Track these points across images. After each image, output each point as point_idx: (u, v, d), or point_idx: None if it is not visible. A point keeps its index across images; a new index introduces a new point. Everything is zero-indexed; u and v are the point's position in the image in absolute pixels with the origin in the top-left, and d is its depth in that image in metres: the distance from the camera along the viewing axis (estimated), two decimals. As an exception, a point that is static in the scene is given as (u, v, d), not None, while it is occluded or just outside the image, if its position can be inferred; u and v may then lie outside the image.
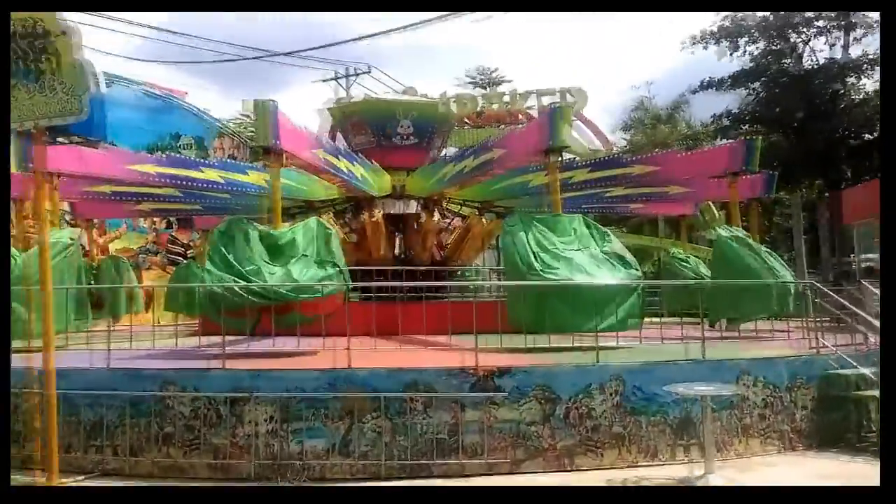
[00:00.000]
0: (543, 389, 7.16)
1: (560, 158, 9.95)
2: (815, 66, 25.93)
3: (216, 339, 8.09)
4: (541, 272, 8.77)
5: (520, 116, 25.26)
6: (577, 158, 14.55)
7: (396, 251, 15.35)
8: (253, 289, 8.14)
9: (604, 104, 60.67)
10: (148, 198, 13.60)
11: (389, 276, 13.60)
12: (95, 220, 15.95)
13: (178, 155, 12.49)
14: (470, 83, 39.85)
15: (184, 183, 12.21)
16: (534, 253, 9.08)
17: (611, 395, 7.28)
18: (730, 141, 19.98)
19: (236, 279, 8.21)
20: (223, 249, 8.52)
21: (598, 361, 7.44)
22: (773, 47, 26.47)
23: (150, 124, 20.92)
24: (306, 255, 8.90)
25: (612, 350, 8.14)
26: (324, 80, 34.30)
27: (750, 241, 11.19)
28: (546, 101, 26.55)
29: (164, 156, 12.99)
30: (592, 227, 9.86)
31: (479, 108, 24.76)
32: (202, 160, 15.36)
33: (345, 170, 11.81)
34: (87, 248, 14.10)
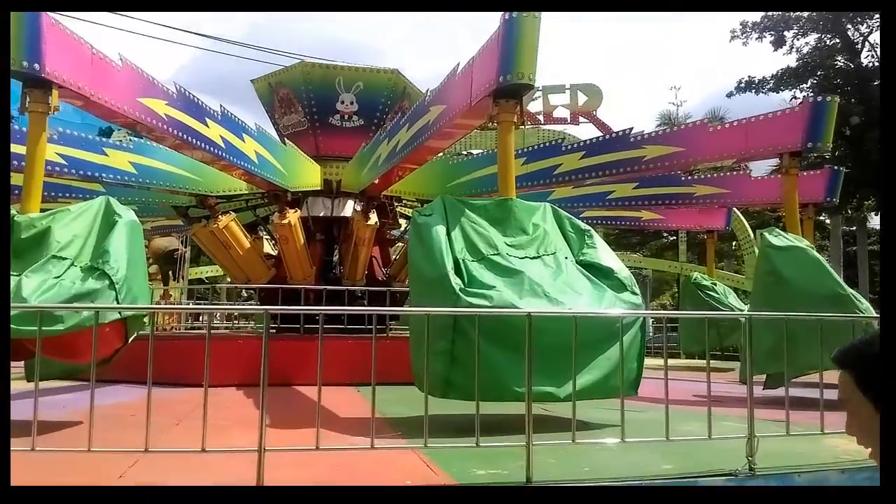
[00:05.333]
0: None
1: (520, 104, 6.15)
2: (874, 65, 21.86)
3: None
4: (461, 293, 4.98)
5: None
6: (566, 139, 10.75)
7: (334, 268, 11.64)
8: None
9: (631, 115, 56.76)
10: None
11: (311, 301, 9.94)
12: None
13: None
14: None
15: (186, 137, 7.69)
16: (456, 260, 5.30)
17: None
18: (795, 99, 16.13)
19: None
20: None
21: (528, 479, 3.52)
22: (826, 42, 22.46)
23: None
24: (63, 258, 5.20)
25: (584, 448, 4.22)
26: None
27: (817, 255, 7.30)
28: (555, 100, 22.94)
29: (174, 91, 7.65)
30: (565, 220, 6.06)
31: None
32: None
33: (221, 145, 8.09)
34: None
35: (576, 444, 3.68)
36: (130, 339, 5.46)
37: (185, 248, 19.97)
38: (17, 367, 5.90)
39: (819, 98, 8.00)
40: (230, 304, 13.28)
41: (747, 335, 4.28)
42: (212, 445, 3.99)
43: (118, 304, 5.05)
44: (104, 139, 10.18)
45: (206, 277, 22.13)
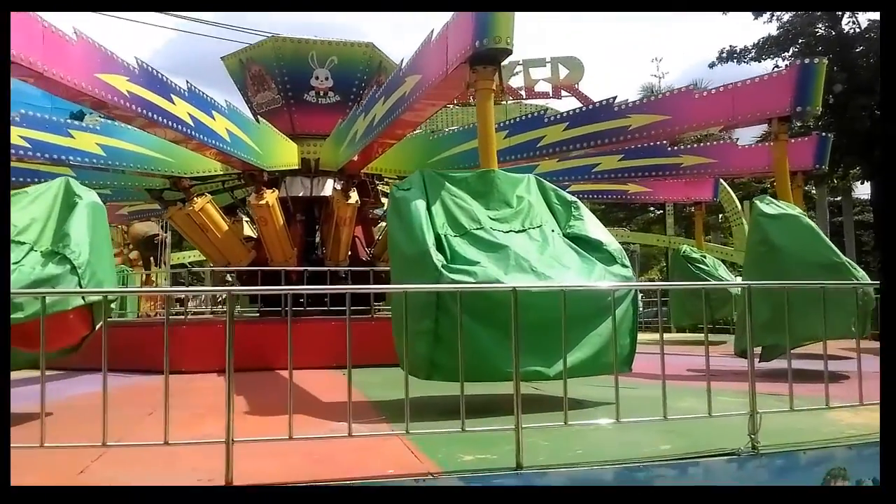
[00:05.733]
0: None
1: (498, 71, 5.85)
2: (856, 31, 21.66)
3: None
4: (443, 269, 4.73)
5: (502, 92, 21.25)
6: (549, 110, 10.47)
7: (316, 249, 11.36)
8: None
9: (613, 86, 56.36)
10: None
11: (293, 283, 9.67)
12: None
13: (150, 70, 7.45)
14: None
15: (152, 115, 7.30)
16: (438, 236, 5.04)
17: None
18: (777, 68, 15.89)
19: None
20: None
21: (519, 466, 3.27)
22: (806, 10, 22.22)
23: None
24: (21, 243, 4.89)
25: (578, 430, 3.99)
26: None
27: (810, 222, 7.10)
28: (535, 74, 22.61)
29: (136, 67, 7.26)
30: (550, 192, 5.80)
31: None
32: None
33: (190, 122, 7.74)
34: None
35: (568, 427, 3.44)
36: (98, 326, 5.18)
37: (166, 232, 19.60)
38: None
39: (807, 60, 7.75)
40: (190, 288, 12.94)
41: (747, 305, 4.05)
42: (182, 436, 3.74)
43: (81, 289, 4.76)
44: (72, 121, 9.80)
45: (189, 262, 21.75)
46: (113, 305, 9.83)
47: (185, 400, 5.85)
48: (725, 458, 3.48)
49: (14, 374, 4.60)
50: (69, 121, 9.54)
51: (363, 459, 3.35)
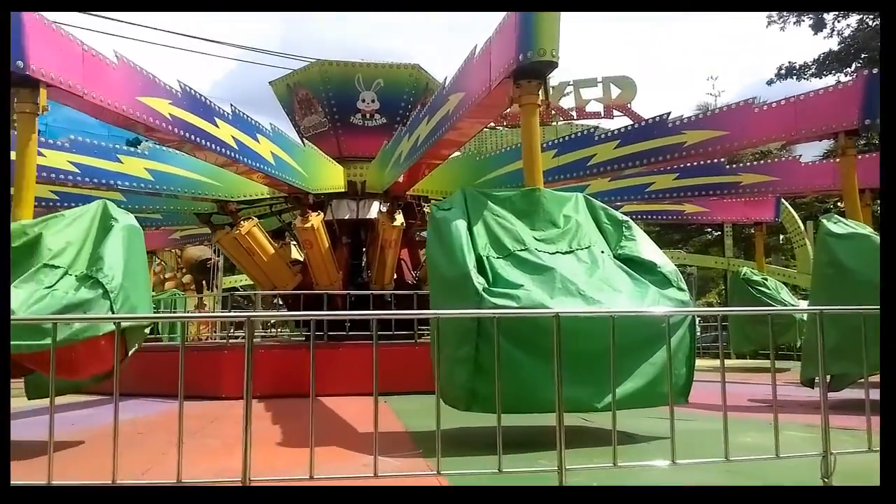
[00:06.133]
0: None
1: (544, 84, 5.56)
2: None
3: None
4: (484, 293, 4.46)
5: (553, 112, 21.00)
6: (598, 128, 10.11)
7: (361, 272, 11.22)
8: None
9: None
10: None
11: (338, 307, 9.53)
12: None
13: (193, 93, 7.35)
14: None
15: (195, 138, 7.22)
16: (479, 258, 4.78)
17: None
18: (841, 76, 15.26)
19: None
20: None
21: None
22: (868, 23, 21.37)
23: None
24: (55, 266, 4.82)
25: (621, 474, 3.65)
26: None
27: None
28: (587, 94, 22.28)
29: (178, 90, 7.16)
30: (600, 211, 5.49)
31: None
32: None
33: (233, 146, 7.68)
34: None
35: (618, 468, 3.12)
36: (131, 352, 5.07)
37: (219, 257, 19.81)
38: (16, 384, 5.59)
39: (875, 70, 7.27)
40: (204, 314, 12.92)
41: (819, 331, 3.66)
42: (205, 469, 3.55)
43: (113, 314, 4.65)
44: (122, 147, 9.91)
45: (241, 286, 21.95)
46: (151, 330, 9.79)
47: (218, 428, 5.70)
48: (796, 505, 3.10)
49: (59, 400, 4.54)
50: (120, 146, 9.64)
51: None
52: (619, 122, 22.09)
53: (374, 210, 10.58)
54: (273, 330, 16.80)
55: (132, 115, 6.19)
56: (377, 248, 10.00)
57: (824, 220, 6.78)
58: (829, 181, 10.12)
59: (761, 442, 3.90)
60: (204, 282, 19.53)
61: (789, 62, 22.52)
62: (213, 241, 11.69)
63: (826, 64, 21.93)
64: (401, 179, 9.22)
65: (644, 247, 5.29)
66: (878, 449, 3.53)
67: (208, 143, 7.27)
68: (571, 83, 21.55)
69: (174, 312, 13.19)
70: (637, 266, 5.11)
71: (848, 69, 22.02)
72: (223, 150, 7.47)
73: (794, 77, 22.60)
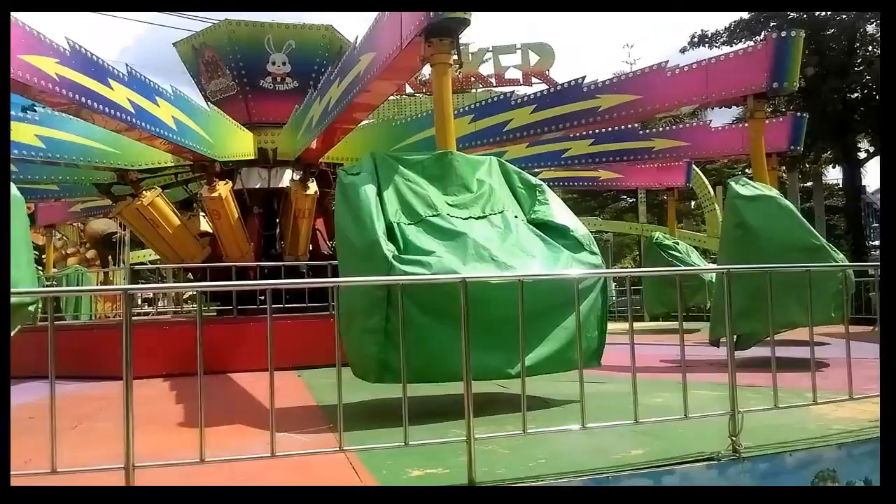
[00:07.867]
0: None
1: (454, 47, 5.36)
2: (827, 15, 21.49)
3: None
4: (394, 261, 4.30)
5: (472, 79, 20.85)
6: (515, 92, 10.04)
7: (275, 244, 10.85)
8: None
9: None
10: None
11: (250, 279, 9.18)
12: None
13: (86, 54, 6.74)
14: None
15: (85, 101, 6.64)
16: (389, 224, 4.61)
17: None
18: (750, 43, 15.63)
19: None
20: None
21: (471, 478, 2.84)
22: (806, 10, 21.95)
23: None
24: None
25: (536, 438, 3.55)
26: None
27: (789, 204, 6.78)
28: (506, 61, 22.18)
29: (67, 49, 6.54)
30: (514, 175, 5.39)
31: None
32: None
33: (130, 109, 7.19)
34: None
35: (527, 435, 3.04)
36: (14, 332, 4.68)
37: (124, 230, 18.92)
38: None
39: (783, 33, 7.39)
40: (153, 285, 12.41)
41: (726, 291, 3.66)
42: (93, 456, 3.28)
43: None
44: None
45: (150, 261, 21.07)
46: (30, 308, 9.31)
47: (119, 411, 5.37)
48: (705, 463, 3.10)
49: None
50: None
51: (294, 479, 2.91)
52: (538, 88, 22.14)
53: (287, 178, 10.20)
54: (188, 305, 16.23)
55: (13, 75, 5.66)
56: (290, 217, 9.67)
57: (732, 183, 6.90)
58: (738, 146, 10.36)
59: (671, 402, 3.91)
60: (110, 257, 18.63)
61: (701, 30, 23.02)
62: (114, 213, 11.08)
63: (737, 32, 22.47)
64: (313, 146, 8.89)
65: (557, 211, 5.23)
66: (784, 406, 3.60)
67: (101, 107, 6.76)
68: (490, 49, 21.42)
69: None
70: (550, 230, 5.04)
71: (757, 37, 22.61)
72: (119, 113, 6.98)
73: (707, 45, 23.10)
